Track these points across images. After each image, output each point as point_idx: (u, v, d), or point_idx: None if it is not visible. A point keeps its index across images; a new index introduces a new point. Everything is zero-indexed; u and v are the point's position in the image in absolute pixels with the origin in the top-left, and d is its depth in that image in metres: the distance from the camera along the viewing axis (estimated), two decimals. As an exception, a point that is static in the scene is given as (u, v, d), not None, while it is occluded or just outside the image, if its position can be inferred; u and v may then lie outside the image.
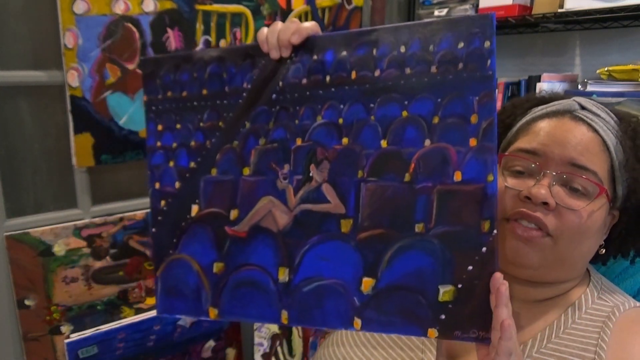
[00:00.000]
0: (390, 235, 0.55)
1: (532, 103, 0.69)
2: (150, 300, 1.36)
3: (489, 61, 0.52)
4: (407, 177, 0.55)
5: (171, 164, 0.69)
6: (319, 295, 0.59)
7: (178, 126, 0.67)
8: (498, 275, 0.50)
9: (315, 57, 0.59)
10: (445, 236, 0.53)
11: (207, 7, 1.36)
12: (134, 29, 1.25)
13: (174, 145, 0.68)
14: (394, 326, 0.55)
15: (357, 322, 0.56)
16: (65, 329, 1.25)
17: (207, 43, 1.38)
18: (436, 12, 1.85)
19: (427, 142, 0.54)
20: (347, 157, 0.58)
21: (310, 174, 0.59)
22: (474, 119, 0.53)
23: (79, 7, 1.16)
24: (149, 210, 0.76)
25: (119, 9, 1.21)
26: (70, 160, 1.23)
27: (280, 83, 0.61)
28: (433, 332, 0.53)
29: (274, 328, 1.46)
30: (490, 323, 0.50)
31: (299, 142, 0.60)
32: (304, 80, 0.60)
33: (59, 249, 1.22)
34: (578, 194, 0.58)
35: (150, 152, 0.70)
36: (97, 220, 1.27)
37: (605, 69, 1.47)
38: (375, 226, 0.56)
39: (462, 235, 0.53)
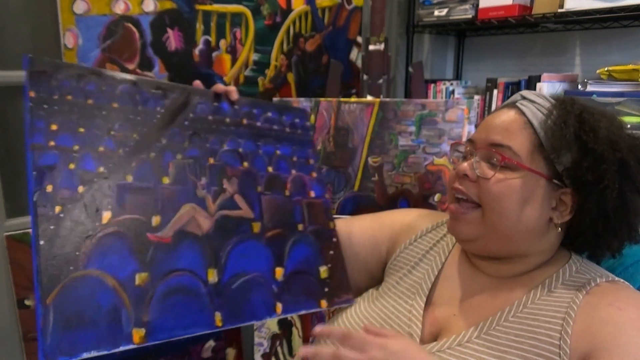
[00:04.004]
0: (285, 233, 0.76)
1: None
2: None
3: (310, 133, 0.90)
4: (286, 192, 0.80)
5: (71, 166, 0.63)
6: (245, 289, 0.68)
7: (81, 130, 0.66)
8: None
9: (215, 103, 0.80)
10: (314, 232, 0.78)
11: (207, 7, 1.36)
12: (134, 29, 1.25)
13: (76, 147, 0.65)
14: (301, 304, 0.71)
15: (279, 306, 0.70)
16: (65, 328, 1.25)
17: (207, 43, 1.38)
18: (436, 12, 1.85)
19: (293, 172, 0.83)
20: (248, 176, 0.78)
21: (224, 186, 0.75)
22: (311, 161, 0.86)
23: (79, 7, 1.16)
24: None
25: (119, 9, 1.22)
26: (70, 160, 1.24)
27: (191, 114, 0.76)
28: (324, 303, 0.72)
29: (274, 328, 1.46)
30: (349, 287, 0.77)
31: (211, 161, 0.75)
32: (210, 117, 0.78)
33: (59, 249, 1.22)
34: (496, 167, 0.66)
35: (38, 150, 0.61)
36: (97, 220, 1.27)
37: (605, 69, 1.47)
38: (276, 227, 0.76)
39: (322, 231, 0.79)
